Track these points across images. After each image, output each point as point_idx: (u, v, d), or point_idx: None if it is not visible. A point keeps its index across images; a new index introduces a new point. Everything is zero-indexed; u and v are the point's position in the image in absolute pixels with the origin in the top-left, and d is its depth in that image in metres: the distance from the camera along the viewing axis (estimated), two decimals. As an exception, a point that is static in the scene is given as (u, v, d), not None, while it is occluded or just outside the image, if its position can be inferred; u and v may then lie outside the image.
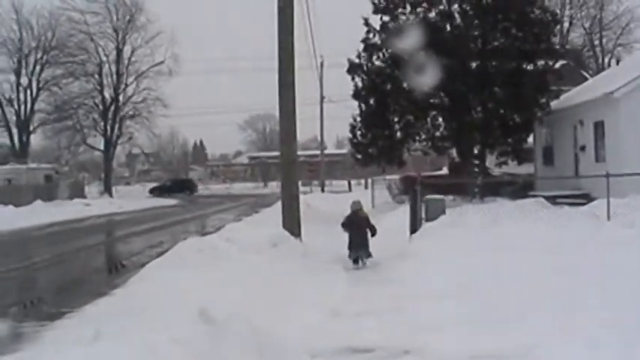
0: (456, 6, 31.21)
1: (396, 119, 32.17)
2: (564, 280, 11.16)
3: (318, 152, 68.10)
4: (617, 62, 46.31)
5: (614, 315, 8.85)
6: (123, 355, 7.39)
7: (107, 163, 71.08)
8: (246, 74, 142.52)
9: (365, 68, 31.93)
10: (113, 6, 67.51)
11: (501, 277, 11.69)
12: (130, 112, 69.46)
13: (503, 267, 12.40)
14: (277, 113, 19.91)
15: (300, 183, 21.20)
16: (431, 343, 8.29)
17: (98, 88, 67.80)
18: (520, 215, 17.92)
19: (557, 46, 38.62)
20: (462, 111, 30.85)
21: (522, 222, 16.83)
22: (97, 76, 67.67)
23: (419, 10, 31.03)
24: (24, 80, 66.29)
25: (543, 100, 30.52)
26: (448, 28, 30.99)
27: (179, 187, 78.38)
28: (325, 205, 33.22)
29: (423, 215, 18.87)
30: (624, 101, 24.04)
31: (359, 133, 32.87)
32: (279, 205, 20.71)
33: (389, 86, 31.33)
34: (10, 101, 65.93)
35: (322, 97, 60.88)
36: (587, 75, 46.58)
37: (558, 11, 51.50)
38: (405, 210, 21.54)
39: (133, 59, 68.70)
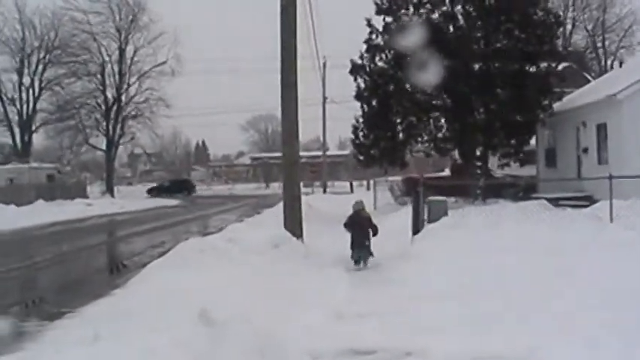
0: (459, 7, 31.18)
1: (398, 120, 32.17)
2: (566, 282, 11.11)
3: (320, 153, 68.15)
4: (620, 64, 46.16)
5: (615, 316, 8.82)
6: (123, 356, 7.37)
7: (109, 163, 71.06)
8: (249, 75, 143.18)
9: (367, 69, 31.93)
10: (116, 6, 67.63)
11: (503, 278, 11.64)
12: (133, 112, 69.49)
13: (505, 268, 12.35)
14: (279, 114, 19.87)
15: (302, 184, 21.15)
16: (433, 344, 8.25)
17: (100, 87, 67.79)
18: (522, 217, 17.87)
19: (560, 48, 38.55)
20: (464, 112, 30.82)
21: (525, 224, 16.77)
22: (99, 75, 67.69)
23: (422, 11, 31.02)
24: (26, 80, 66.45)
25: (546, 102, 30.52)
26: (451, 29, 30.98)
27: (177, 187, 78.27)
28: (327, 206, 33.17)
29: (426, 216, 18.82)
30: (627, 103, 24.01)
31: (361, 134, 32.88)
32: (280, 206, 20.67)
33: (391, 87, 31.31)
34: (12, 101, 66.00)
35: (325, 98, 60.96)
36: (589, 77, 46.52)
37: (561, 13, 51.48)
38: (407, 211, 21.50)
39: (135, 59, 68.84)
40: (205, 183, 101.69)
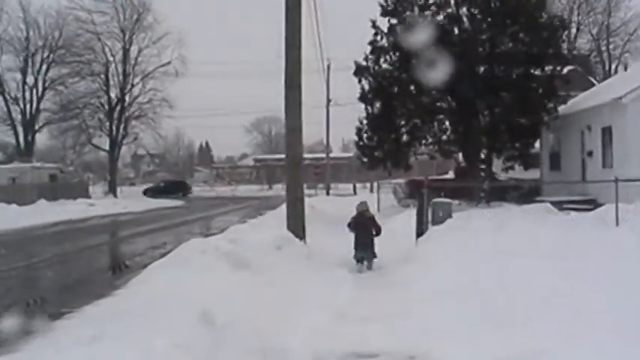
0: (464, 9, 31.11)
1: (402, 122, 32.10)
2: (572, 286, 10.99)
3: (323, 155, 68.04)
4: (625, 68, 46.18)
5: (622, 321, 8.77)
6: (123, 356, 7.31)
7: (112, 164, 70.95)
8: (253, 76, 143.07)
9: (372, 71, 31.87)
10: (120, 6, 67.39)
11: (508, 281, 11.53)
12: (136, 113, 69.27)
13: (510, 272, 12.23)
14: (283, 116, 19.77)
15: (305, 186, 21.03)
16: (436, 348, 8.21)
17: (104, 88, 67.63)
18: (527, 220, 17.73)
19: (565, 52, 38.45)
20: (469, 115, 30.77)
21: (530, 227, 16.62)
22: (103, 76, 67.50)
23: (427, 12, 30.92)
24: (30, 79, 66.30)
25: (551, 105, 30.49)
26: (456, 31, 30.90)
27: (173, 188, 78.30)
28: (330, 208, 33.06)
29: (430, 219, 18.72)
30: (632, 107, 23.91)
31: (365, 136, 32.80)
32: (283, 207, 20.58)
33: (396, 89, 31.26)
34: (15, 100, 65.90)
35: (329, 100, 60.90)
36: (594, 81, 46.42)
37: (566, 17, 51.38)
38: (410, 214, 21.43)
39: (139, 59, 68.56)
40: (208, 184, 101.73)
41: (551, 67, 30.97)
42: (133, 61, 68.45)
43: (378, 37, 31.57)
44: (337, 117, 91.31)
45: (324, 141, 68.34)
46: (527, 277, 11.88)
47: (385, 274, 14.65)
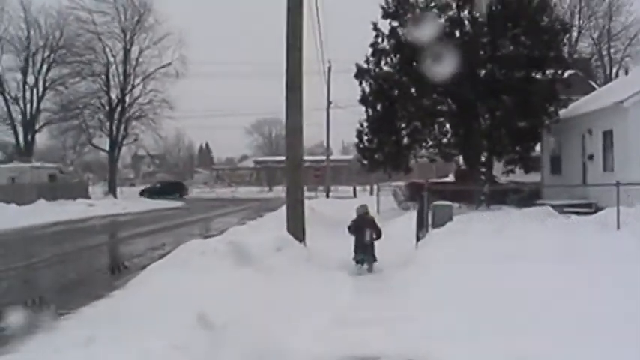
0: (465, 12, 31.07)
1: (403, 125, 32.07)
2: (573, 289, 10.97)
3: (323, 158, 67.95)
4: (626, 72, 46.13)
5: (622, 324, 8.73)
6: (120, 358, 7.23)
7: (112, 164, 70.87)
8: (253, 77, 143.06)
9: (373, 73, 31.84)
10: (122, 6, 67.32)
11: (509, 285, 11.49)
12: (136, 114, 69.17)
13: (510, 275, 12.20)
14: (284, 118, 19.71)
15: (305, 188, 20.98)
16: (436, 351, 8.13)
17: (105, 88, 67.53)
18: (528, 223, 17.73)
19: (566, 55, 38.43)
20: (469, 118, 30.74)
21: (530, 230, 16.62)
22: (103, 76, 67.40)
23: (428, 15, 30.82)
24: (30, 79, 66.21)
25: (552, 109, 30.44)
26: (457, 34, 30.84)
27: (169, 189, 78.20)
28: (330, 211, 33.00)
29: (430, 221, 18.66)
30: (633, 110, 23.85)
31: (366, 138, 32.76)
32: (283, 209, 20.54)
33: (397, 92, 31.25)
34: (16, 100, 65.84)
35: (329, 102, 60.82)
36: (595, 85, 46.40)
37: (567, 20, 51.36)
38: (410, 217, 21.39)
39: (140, 60, 68.47)
40: (208, 186, 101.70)
41: (552, 71, 30.93)
42: (133, 62, 68.43)
43: (379, 40, 31.52)
44: (337, 119, 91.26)
45: (325, 143, 68.28)
46: (528, 280, 11.85)
47: (385, 277, 14.61)
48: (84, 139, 69.42)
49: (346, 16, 79.72)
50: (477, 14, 30.68)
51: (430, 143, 33.05)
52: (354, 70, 32.05)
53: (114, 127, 67.50)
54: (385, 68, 31.80)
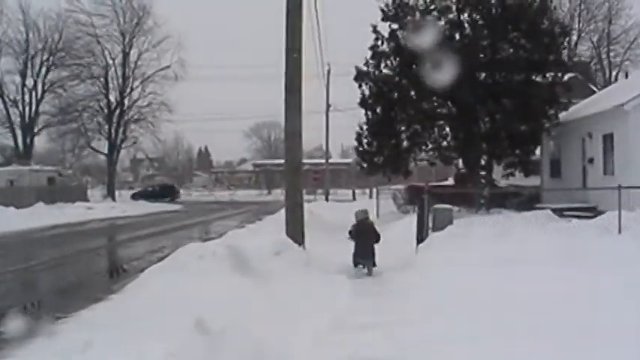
0: (465, 15, 31.05)
1: (402, 128, 32.05)
2: (574, 293, 10.93)
3: (322, 161, 67.89)
4: (626, 76, 46.04)
5: (624, 328, 8.66)
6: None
7: (111, 167, 70.81)
8: (252, 81, 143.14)
9: (372, 76, 31.80)
10: (120, 9, 67.39)
11: (510, 288, 11.46)
12: (135, 117, 69.21)
13: (511, 279, 12.18)
14: (283, 121, 19.64)
15: (304, 191, 20.90)
16: (436, 355, 8.07)
17: (103, 91, 67.57)
18: (529, 227, 17.65)
19: (566, 59, 38.40)
20: (469, 121, 30.70)
21: (532, 234, 16.57)
22: (102, 79, 67.43)
23: (428, 18, 30.80)
24: (29, 82, 66.15)
25: (552, 112, 30.46)
26: (457, 37, 30.82)
27: (161, 192, 77.99)
28: (329, 214, 32.98)
29: (430, 225, 18.60)
30: (634, 114, 23.82)
31: (365, 141, 32.73)
32: (282, 212, 20.48)
33: (396, 95, 31.23)
34: (15, 102, 65.77)
35: (328, 105, 60.73)
36: (594, 88, 46.36)
37: (567, 24, 51.34)
38: (410, 220, 21.34)
39: (139, 63, 68.53)
40: (207, 189, 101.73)
41: (552, 74, 30.93)
42: (132, 65, 68.49)
43: (379, 42, 31.50)
44: (337, 122, 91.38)
45: (324, 146, 68.24)
46: (529, 284, 11.82)
47: (385, 281, 14.55)
48: (83, 142, 69.53)
49: (346, 18, 79.77)
50: (477, 17, 30.65)
51: (430, 146, 33.05)
52: (354, 72, 32.06)
53: (113, 130, 67.51)
54: (385, 71, 31.79)
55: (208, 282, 12.03)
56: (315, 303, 11.51)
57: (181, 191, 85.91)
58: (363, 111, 32.43)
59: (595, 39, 67.15)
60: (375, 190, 44.12)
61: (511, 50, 30.46)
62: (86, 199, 59.92)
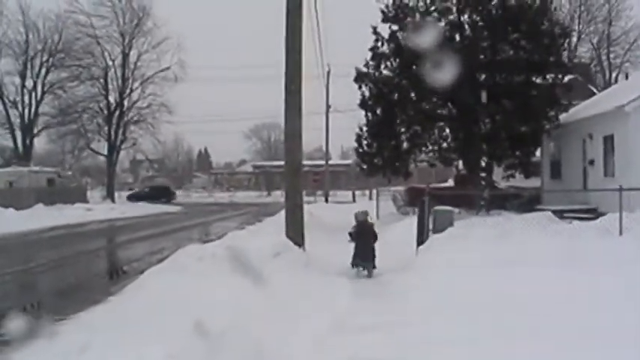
0: (465, 16, 31.04)
1: (402, 129, 32.03)
2: (575, 294, 10.89)
3: (322, 162, 67.88)
4: (626, 77, 46.10)
5: (625, 329, 8.62)
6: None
7: (110, 168, 70.82)
8: (252, 82, 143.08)
9: (372, 77, 31.79)
10: (120, 10, 67.44)
11: (510, 290, 11.41)
12: (135, 118, 69.23)
13: (512, 280, 12.14)
14: (283, 122, 19.60)
15: (304, 193, 20.87)
16: (436, 356, 8.02)
17: (103, 92, 67.57)
18: (529, 228, 17.60)
19: (566, 60, 38.39)
20: (469, 122, 30.66)
21: (532, 235, 16.52)
22: (102, 80, 67.45)
23: (429, 19, 30.78)
24: (29, 83, 66.16)
25: (552, 113, 30.44)
26: (457, 38, 30.81)
27: (156, 194, 77.79)
28: (329, 215, 32.96)
29: (431, 227, 18.55)
30: (635, 115, 23.77)
31: (365, 142, 32.73)
32: (282, 214, 20.46)
33: (396, 96, 31.22)
34: (14, 104, 65.76)
35: (328, 106, 60.73)
36: (595, 90, 46.36)
37: (567, 25, 51.34)
38: (410, 222, 21.30)
39: (138, 64, 68.57)
40: (207, 190, 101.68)
41: (552, 75, 30.93)
42: (132, 66, 68.53)
43: (379, 44, 31.51)
44: (337, 124, 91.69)
45: (324, 148, 68.26)
46: (530, 285, 11.79)
47: (385, 282, 14.51)
48: (82, 143, 69.58)
49: (346, 19, 79.81)
50: (478, 18, 30.64)
51: (430, 147, 33.02)
52: (354, 74, 32.06)
53: (112, 132, 67.53)
54: (385, 72, 31.79)
55: (208, 283, 11.99)
56: (315, 304, 11.48)
57: (178, 193, 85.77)
58: (363, 112, 32.48)
59: (595, 40, 67.24)
60: (375, 192, 44.08)
61: (511, 51, 30.45)
62: (86, 201, 59.91)
